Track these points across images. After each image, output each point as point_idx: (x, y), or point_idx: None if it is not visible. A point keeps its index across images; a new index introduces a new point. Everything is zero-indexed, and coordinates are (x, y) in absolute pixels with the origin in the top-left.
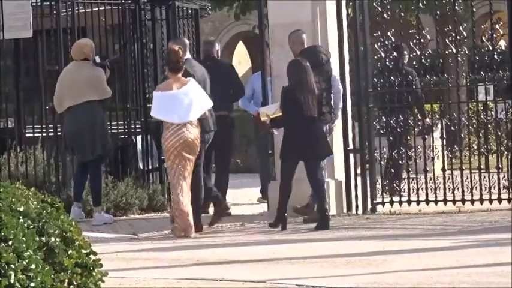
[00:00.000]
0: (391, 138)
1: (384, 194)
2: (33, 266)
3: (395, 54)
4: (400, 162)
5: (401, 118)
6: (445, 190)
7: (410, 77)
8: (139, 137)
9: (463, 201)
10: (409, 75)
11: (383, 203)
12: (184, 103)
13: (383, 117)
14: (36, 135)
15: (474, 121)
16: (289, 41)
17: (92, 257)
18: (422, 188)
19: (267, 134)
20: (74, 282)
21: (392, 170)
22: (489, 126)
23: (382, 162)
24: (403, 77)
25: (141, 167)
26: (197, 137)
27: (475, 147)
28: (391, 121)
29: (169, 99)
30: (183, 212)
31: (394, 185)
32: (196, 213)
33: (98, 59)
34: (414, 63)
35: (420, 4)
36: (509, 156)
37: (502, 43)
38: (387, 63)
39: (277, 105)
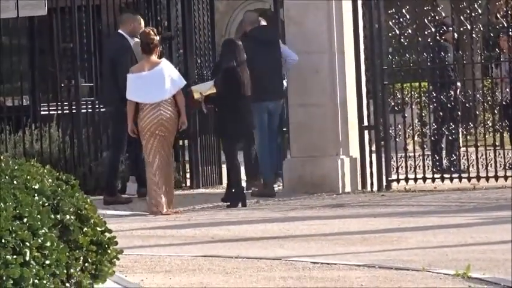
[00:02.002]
0: (441, 113)
1: (400, 171)
2: (48, 244)
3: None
4: (450, 137)
5: (451, 93)
6: (459, 167)
7: (442, 53)
8: None
9: (478, 178)
10: (441, 51)
11: (398, 180)
12: (156, 83)
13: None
14: (51, 113)
15: (489, 98)
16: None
17: (107, 234)
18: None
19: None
20: (89, 260)
21: (442, 145)
22: (504, 103)
23: (397, 140)
24: (435, 53)
25: None
26: (172, 115)
27: (490, 124)
28: (441, 96)
29: (142, 81)
30: (156, 189)
31: (451, 159)
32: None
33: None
34: (429, 40)
35: None
36: None
37: None
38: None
39: (211, 83)
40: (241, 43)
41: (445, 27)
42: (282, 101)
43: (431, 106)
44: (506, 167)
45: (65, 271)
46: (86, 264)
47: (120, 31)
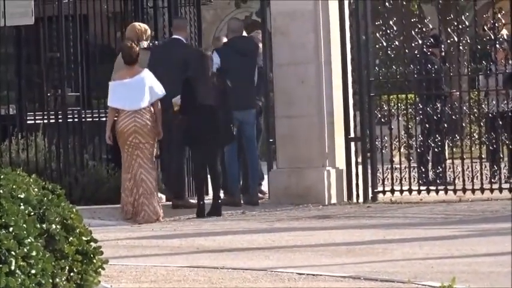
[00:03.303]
0: (427, 125)
1: (386, 183)
2: (34, 253)
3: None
4: (436, 149)
5: (438, 106)
6: (445, 179)
7: (429, 66)
8: None
9: (464, 190)
10: (428, 63)
11: (384, 192)
12: (135, 91)
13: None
14: (37, 122)
15: (475, 110)
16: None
17: (93, 244)
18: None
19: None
20: (75, 270)
21: (428, 157)
22: (490, 115)
23: (383, 151)
24: (422, 65)
25: None
26: (148, 123)
27: (476, 137)
28: (428, 108)
29: (122, 88)
30: (124, 197)
31: (436, 171)
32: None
33: (144, 44)
34: (416, 52)
35: None
36: (511, 147)
37: (504, 32)
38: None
39: None
40: (220, 51)
41: (432, 40)
42: (254, 110)
43: (417, 118)
44: (493, 180)
45: (51, 280)
46: (72, 273)
47: (177, 37)
